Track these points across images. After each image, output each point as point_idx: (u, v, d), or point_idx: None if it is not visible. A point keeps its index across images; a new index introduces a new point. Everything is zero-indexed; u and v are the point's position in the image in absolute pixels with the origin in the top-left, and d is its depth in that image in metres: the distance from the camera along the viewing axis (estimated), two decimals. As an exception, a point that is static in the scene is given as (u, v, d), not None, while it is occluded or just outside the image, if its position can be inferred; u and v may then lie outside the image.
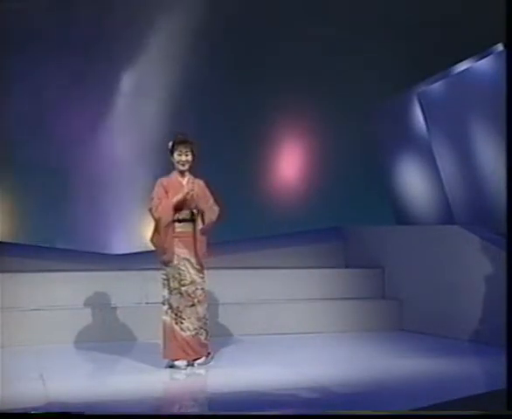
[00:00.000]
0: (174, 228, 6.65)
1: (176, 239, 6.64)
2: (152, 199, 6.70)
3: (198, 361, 6.68)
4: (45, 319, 7.92)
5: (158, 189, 6.72)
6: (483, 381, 6.56)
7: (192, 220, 6.70)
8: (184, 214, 6.68)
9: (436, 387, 6.03)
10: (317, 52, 10.45)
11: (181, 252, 6.66)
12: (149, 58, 10.10)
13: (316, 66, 10.48)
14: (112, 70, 10.08)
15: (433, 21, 9.96)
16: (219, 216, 6.79)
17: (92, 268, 8.63)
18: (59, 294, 8.18)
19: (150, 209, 6.69)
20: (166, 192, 6.68)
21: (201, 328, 6.68)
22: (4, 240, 9.47)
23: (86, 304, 8.18)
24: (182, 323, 6.62)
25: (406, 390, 6.01)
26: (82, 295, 8.20)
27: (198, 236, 6.69)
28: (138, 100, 10.11)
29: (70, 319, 7.96)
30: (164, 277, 6.68)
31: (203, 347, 6.71)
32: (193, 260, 6.69)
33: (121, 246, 9.83)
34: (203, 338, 6.70)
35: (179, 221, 6.67)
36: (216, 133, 10.03)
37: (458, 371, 6.66)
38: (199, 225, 6.71)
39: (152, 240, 6.73)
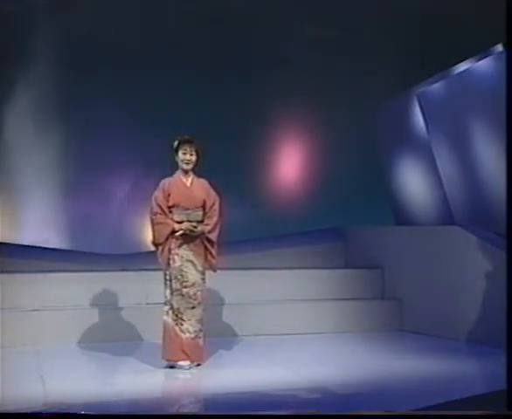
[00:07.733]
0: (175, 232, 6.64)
1: (181, 240, 6.64)
2: (152, 202, 6.68)
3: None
4: (45, 319, 7.91)
5: (158, 194, 6.68)
6: (483, 381, 6.56)
7: (198, 221, 6.69)
8: (185, 226, 6.65)
9: (436, 387, 6.03)
10: (317, 53, 10.45)
11: (185, 254, 6.65)
12: (151, 62, 10.11)
13: (317, 67, 10.48)
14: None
15: (433, 21, 9.95)
16: (219, 221, 6.78)
17: (92, 268, 8.61)
18: (59, 294, 8.18)
19: (150, 216, 6.70)
20: (168, 195, 6.66)
21: (200, 331, 6.66)
22: (4, 240, 9.46)
23: (86, 304, 8.18)
24: (182, 325, 6.61)
25: (406, 390, 6.01)
26: (82, 295, 8.20)
27: (207, 243, 6.71)
28: (139, 101, 10.10)
29: (70, 320, 7.95)
30: (167, 277, 6.67)
31: (201, 353, 6.70)
32: (197, 262, 6.67)
33: (120, 246, 9.82)
34: (201, 341, 6.69)
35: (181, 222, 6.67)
36: (216, 134, 10.02)
37: (458, 371, 6.65)
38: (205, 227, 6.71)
39: (153, 242, 6.74)
